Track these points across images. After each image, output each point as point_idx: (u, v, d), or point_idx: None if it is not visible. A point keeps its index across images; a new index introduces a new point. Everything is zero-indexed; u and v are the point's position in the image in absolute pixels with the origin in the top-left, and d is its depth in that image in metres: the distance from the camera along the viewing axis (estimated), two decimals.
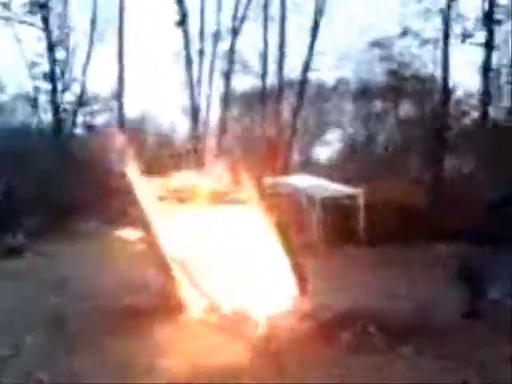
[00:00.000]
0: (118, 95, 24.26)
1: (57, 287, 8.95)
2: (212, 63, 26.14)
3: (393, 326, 6.65)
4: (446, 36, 23.21)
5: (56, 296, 8.28)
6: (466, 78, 31.23)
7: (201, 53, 25.98)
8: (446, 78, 23.32)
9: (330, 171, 22.55)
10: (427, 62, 24.83)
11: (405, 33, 23.91)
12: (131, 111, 27.63)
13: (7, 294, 8.56)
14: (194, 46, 25.92)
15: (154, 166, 7.94)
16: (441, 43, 23.40)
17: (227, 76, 26.02)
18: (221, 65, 26.43)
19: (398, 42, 24.76)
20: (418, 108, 25.36)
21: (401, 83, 25.26)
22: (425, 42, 23.85)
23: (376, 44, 25.19)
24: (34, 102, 23.55)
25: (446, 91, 23.41)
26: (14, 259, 12.61)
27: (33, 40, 22.88)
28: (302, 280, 7.68)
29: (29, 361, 5.39)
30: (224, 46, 26.15)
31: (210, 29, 25.98)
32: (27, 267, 11.70)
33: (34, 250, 13.45)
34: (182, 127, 28.24)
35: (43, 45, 22.89)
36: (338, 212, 17.16)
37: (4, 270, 11.36)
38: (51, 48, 22.90)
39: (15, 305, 7.83)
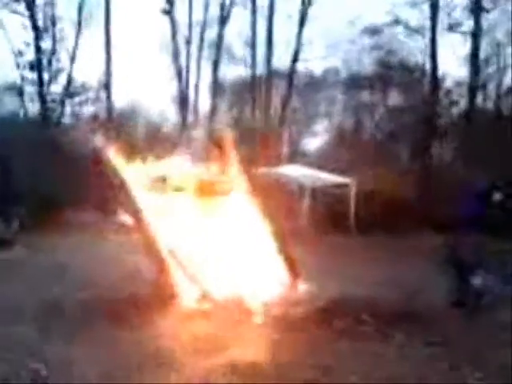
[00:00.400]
0: (106, 85, 24.08)
1: (51, 277, 8.92)
2: (199, 52, 26.05)
3: (383, 313, 6.70)
4: (434, 25, 23.25)
5: (52, 286, 8.25)
6: (454, 67, 31.30)
7: (188, 41, 25.87)
8: (434, 67, 23.37)
9: (319, 161, 22.58)
10: (416, 51, 24.91)
11: (396, 21, 23.95)
12: (120, 101, 27.47)
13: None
14: (182, 35, 25.85)
15: (143, 155, 7.87)
16: (429, 32, 23.47)
17: (215, 65, 25.94)
18: (209, 54, 26.38)
19: (386, 31, 24.82)
20: (406, 97, 25.42)
21: (389, 72, 25.33)
22: (413, 30, 23.92)
23: (365, 33, 25.23)
24: (20, 92, 23.28)
25: (435, 80, 23.47)
26: (5, 251, 12.50)
27: (18, 28, 22.63)
28: (292, 268, 7.73)
29: (25, 351, 5.37)
30: (211, 34, 26.11)
31: (197, 17, 25.91)
32: (19, 258, 11.62)
33: (25, 241, 13.36)
34: (171, 116, 28.16)
35: (29, 33, 22.61)
36: (328, 201, 17.24)
37: None
38: (37, 37, 22.61)
39: (10, 297, 7.78)
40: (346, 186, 18.19)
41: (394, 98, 26.60)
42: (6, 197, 14.90)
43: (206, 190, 7.74)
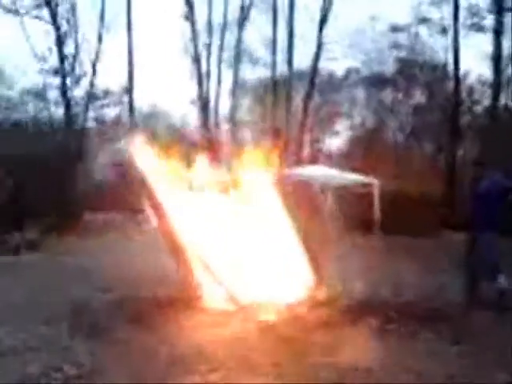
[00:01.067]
0: (128, 89, 24.29)
1: (74, 280, 9.00)
2: (220, 54, 26.14)
3: (411, 312, 6.65)
4: (457, 23, 23.02)
5: (74, 288, 8.33)
6: (476, 65, 31.00)
7: (208, 45, 25.97)
8: (456, 66, 23.15)
9: (341, 161, 22.49)
10: (438, 50, 24.69)
11: (422, 20, 23.78)
12: (141, 104, 27.69)
13: (24, 288, 8.59)
14: (202, 38, 25.97)
15: (165, 158, 7.90)
16: (452, 30, 23.27)
17: (235, 67, 25.99)
18: (229, 56, 26.45)
19: (408, 30, 24.65)
20: (429, 96, 25.22)
21: (412, 71, 25.15)
22: (436, 29, 23.70)
23: (387, 32, 25.09)
24: (44, 97, 23.57)
25: (457, 79, 23.24)
26: (29, 254, 12.67)
27: (41, 34, 22.92)
28: (318, 268, 7.69)
29: (51, 352, 5.40)
30: (231, 37, 26.17)
31: (217, 20, 26.00)
32: (42, 261, 11.76)
33: (50, 243, 13.54)
34: (192, 120, 28.29)
35: (52, 39, 22.89)
36: (351, 201, 17.11)
37: (20, 264, 11.44)
38: (60, 42, 22.88)
39: (32, 298, 7.87)
40: (369, 185, 18.09)
41: (417, 97, 26.41)
42: (30, 200, 15.10)
43: (230, 190, 7.74)
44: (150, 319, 6.47)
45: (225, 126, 26.45)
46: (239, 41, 25.71)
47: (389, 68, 26.04)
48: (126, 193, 11.62)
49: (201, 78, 25.76)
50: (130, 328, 6.15)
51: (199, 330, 6.16)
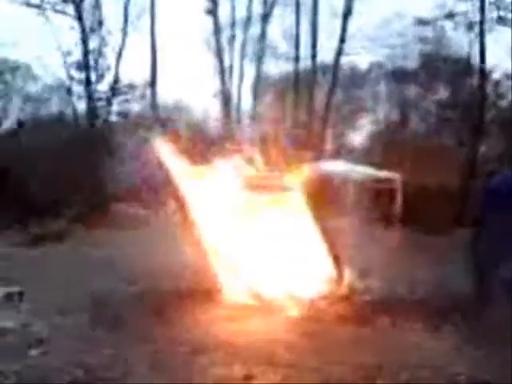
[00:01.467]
0: (152, 83, 24.40)
1: (99, 271, 9.13)
2: (242, 49, 26.12)
3: (427, 308, 6.64)
4: (483, 17, 22.69)
5: (98, 279, 8.46)
6: (502, 60, 30.46)
7: (231, 39, 25.96)
8: (482, 61, 22.82)
9: (364, 156, 22.36)
10: (463, 44, 24.37)
11: (449, 15, 23.46)
12: (164, 98, 27.79)
13: (51, 278, 8.74)
14: (225, 32, 25.97)
15: (188, 153, 7.96)
16: (477, 25, 22.93)
17: (258, 62, 25.95)
18: (252, 50, 26.41)
19: (433, 24, 24.35)
20: (453, 91, 24.93)
21: (436, 66, 24.88)
22: (467, 24, 23.36)
23: (411, 26, 24.81)
24: (68, 92, 23.81)
25: (483, 74, 22.93)
26: (55, 245, 12.87)
27: (66, 29, 23.12)
28: (338, 264, 7.71)
29: (74, 345, 5.51)
30: (254, 31, 26.13)
31: (240, 14, 25.98)
32: (67, 252, 11.94)
33: (76, 235, 13.74)
34: (214, 114, 28.33)
35: (77, 34, 23.09)
36: (373, 196, 17.03)
37: (45, 254, 11.63)
38: (84, 37, 23.07)
39: (59, 289, 8.00)
40: (390, 180, 17.95)
41: (440, 92, 26.12)
42: (56, 191, 15.30)
43: (254, 186, 7.77)
44: (173, 312, 6.56)
45: (247, 121, 26.47)
46: (262, 35, 25.65)
47: (413, 63, 25.78)
48: (152, 186, 11.74)
49: (223, 73, 25.78)
50: (152, 320, 6.25)
51: (222, 323, 6.24)
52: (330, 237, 7.85)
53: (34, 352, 5.20)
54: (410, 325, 6.15)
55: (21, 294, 7.44)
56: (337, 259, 7.72)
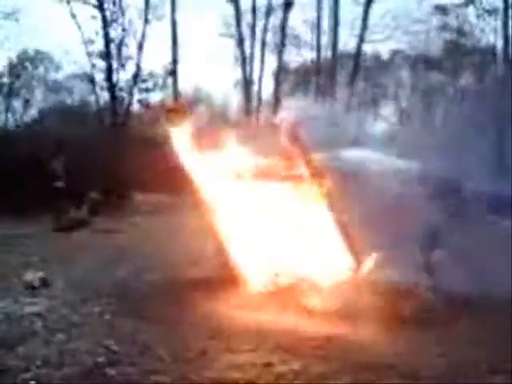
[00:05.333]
0: (172, 71, 24.48)
1: (121, 259, 9.27)
2: (264, 37, 26.04)
3: (452, 299, 6.62)
4: (507, 4, 22.33)
5: (120, 267, 8.60)
6: None
7: (253, 27, 25.89)
8: (506, 48, 22.48)
9: (385, 145, 22.21)
10: (487, 32, 24.03)
11: (470, 2, 23.15)
12: (185, 87, 27.88)
13: (71, 267, 8.89)
14: (246, 20, 25.91)
15: (207, 142, 7.99)
16: (501, 12, 22.60)
17: (279, 50, 25.87)
18: (272, 39, 26.33)
19: (456, 11, 24.04)
20: (478, 79, 24.62)
21: (460, 54, 24.57)
22: (490, 10, 23.04)
23: (434, 13, 24.52)
24: (91, 80, 23.98)
25: (508, 62, 22.58)
26: (79, 232, 13.06)
27: (88, 18, 23.24)
28: (355, 253, 7.72)
29: (97, 330, 5.63)
30: (276, 19, 26.03)
31: (261, 2, 25.87)
32: (90, 239, 12.11)
33: (99, 223, 13.92)
34: (235, 103, 28.38)
35: (99, 23, 23.19)
36: (394, 186, 16.92)
37: (67, 242, 11.80)
38: (106, 26, 23.17)
39: (80, 276, 8.15)
40: (414, 170, 17.79)
41: (465, 80, 25.81)
42: (79, 180, 15.46)
43: (271, 175, 7.80)
44: (192, 299, 6.65)
45: (267, 110, 26.42)
46: (284, 23, 25.55)
47: (436, 50, 25.48)
48: (173, 174, 11.79)
49: (244, 61, 25.76)
50: (171, 307, 6.35)
51: (241, 310, 6.31)
52: (346, 226, 7.84)
53: (60, 336, 5.34)
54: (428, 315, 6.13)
55: (47, 279, 7.60)
56: (354, 248, 7.72)
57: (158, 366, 4.58)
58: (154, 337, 5.32)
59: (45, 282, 7.53)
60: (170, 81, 24.77)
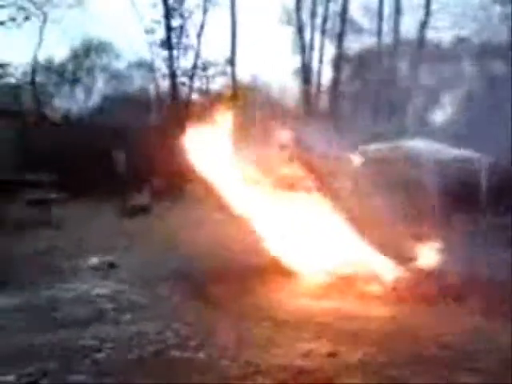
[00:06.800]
0: (231, 60, 24.60)
1: (180, 245, 9.44)
2: (323, 24, 25.81)
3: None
4: None
5: (180, 252, 8.76)
6: None
7: (312, 14, 25.69)
8: None
9: (446, 135, 21.68)
10: None
11: None
12: (243, 76, 27.94)
13: (136, 251, 9.13)
14: (306, 7, 25.73)
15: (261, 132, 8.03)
16: None
17: (339, 37, 25.59)
18: (332, 26, 26.06)
19: None
20: None
21: None
22: None
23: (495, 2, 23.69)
24: (151, 69, 24.40)
25: None
26: (140, 217, 13.39)
27: (149, 7, 23.61)
28: (409, 244, 7.63)
29: (164, 312, 5.78)
30: (335, 6, 25.76)
31: None
32: (153, 225, 12.37)
33: (158, 209, 14.22)
34: (293, 91, 28.24)
35: (159, 11, 23.51)
36: (456, 177, 16.54)
37: (131, 227, 12.11)
38: (167, 15, 23.48)
39: (145, 260, 8.37)
40: (475, 161, 17.34)
41: None
42: (140, 167, 15.83)
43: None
44: (254, 286, 6.71)
45: (326, 98, 26.24)
46: (344, 10, 25.25)
47: (501, 38, 24.60)
48: None
49: (304, 49, 25.62)
50: (234, 293, 6.43)
51: (300, 299, 6.33)
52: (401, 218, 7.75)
53: (129, 318, 5.51)
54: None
55: (114, 263, 7.84)
56: (406, 240, 7.63)
57: (224, 352, 4.65)
58: (219, 322, 5.41)
59: (112, 265, 7.77)
60: (228, 69, 24.92)
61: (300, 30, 25.46)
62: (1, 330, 5.14)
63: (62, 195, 13.09)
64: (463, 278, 6.86)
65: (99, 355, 4.49)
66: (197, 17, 24.06)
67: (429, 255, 7.57)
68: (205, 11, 24.19)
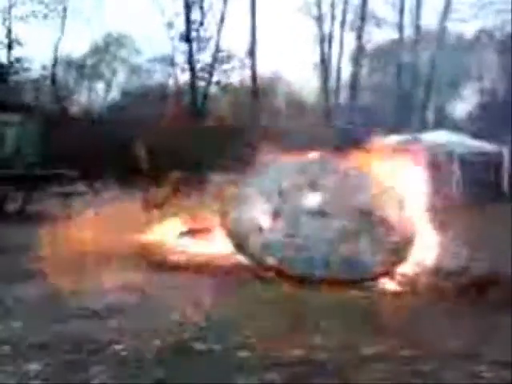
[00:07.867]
0: (251, 53, 24.57)
1: None
2: (343, 16, 25.67)
3: None
4: None
5: None
6: None
7: (332, 7, 25.56)
8: None
9: (468, 127, 21.45)
10: None
11: None
12: (263, 69, 27.93)
13: None
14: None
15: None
16: None
17: (359, 30, 25.43)
18: (352, 18, 25.93)
19: None
20: None
21: None
22: None
23: None
24: (171, 63, 24.48)
25: None
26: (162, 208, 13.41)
27: (168, 1, 23.72)
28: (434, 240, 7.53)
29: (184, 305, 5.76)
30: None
31: None
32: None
33: (174, 204, 14.21)
34: (312, 84, 28.17)
35: (179, 6, 23.58)
36: (478, 169, 16.37)
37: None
38: (187, 8, 23.53)
39: None
40: (496, 154, 17.15)
41: None
42: (161, 161, 15.86)
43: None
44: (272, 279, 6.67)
45: (346, 91, 26.09)
46: (364, 2, 25.05)
47: None
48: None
49: (323, 41, 25.50)
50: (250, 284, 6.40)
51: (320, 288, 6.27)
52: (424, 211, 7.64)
53: (149, 309, 5.51)
54: None
55: None
56: (433, 236, 7.53)
57: (244, 344, 4.63)
58: (242, 314, 5.39)
59: None
60: (248, 62, 24.94)
61: (320, 22, 25.34)
62: None
63: (87, 189, 13.16)
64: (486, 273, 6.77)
65: (118, 346, 4.49)
66: (216, 8, 24.10)
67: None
68: (225, 2, 24.19)
